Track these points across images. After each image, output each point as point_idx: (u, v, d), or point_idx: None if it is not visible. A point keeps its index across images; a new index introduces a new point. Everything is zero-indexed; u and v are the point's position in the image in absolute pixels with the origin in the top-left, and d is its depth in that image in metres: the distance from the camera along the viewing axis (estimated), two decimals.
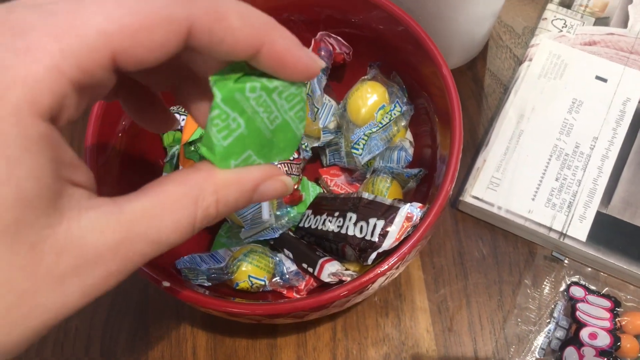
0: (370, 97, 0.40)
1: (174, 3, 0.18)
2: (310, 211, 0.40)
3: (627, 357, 0.38)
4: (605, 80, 0.47)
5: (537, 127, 0.46)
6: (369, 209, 0.35)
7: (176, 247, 0.39)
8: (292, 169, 0.41)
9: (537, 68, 0.48)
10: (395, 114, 0.40)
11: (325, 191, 0.43)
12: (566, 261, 0.42)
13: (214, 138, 0.21)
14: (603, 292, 0.41)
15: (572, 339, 0.39)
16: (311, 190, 0.43)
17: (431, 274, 0.43)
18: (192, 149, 0.40)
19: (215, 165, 0.21)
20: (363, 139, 0.39)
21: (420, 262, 0.43)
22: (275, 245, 0.40)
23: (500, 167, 0.44)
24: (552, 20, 0.50)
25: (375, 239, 0.34)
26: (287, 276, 0.37)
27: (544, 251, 0.43)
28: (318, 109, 0.41)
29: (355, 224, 0.36)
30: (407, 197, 0.41)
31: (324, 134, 0.41)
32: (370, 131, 0.39)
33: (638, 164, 0.44)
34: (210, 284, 0.37)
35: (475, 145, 0.47)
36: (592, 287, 0.41)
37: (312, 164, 0.46)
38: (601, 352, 0.38)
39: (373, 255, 0.34)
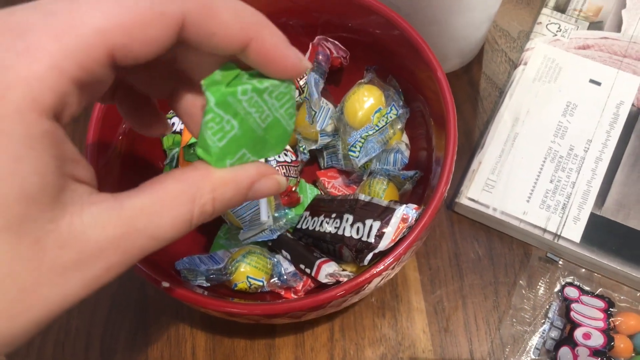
0: (366, 101, 0.40)
1: None
2: (307, 213, 0.41)
3: (620, 357, 0.39)
4: (599, 84, 0.48)
5: (531, 130, 0.46)
6: (365, 211, 0.36)
7: (176, 248, 0.40)
8: (290, 172, 0.42)
9: (532, 72, 0.49)
10: (391, 117, 0.40)
11: (323, 193, 0.44)
12: (560, 262, 0.43)
13: (209, 140, 0.21)
14: (597, 292, 0.41)
15: (567, 339, 0.39)
16: (309, 192, 0.44)
17: (427, 275, 0.43)
18: (192, 151, 0.40)
19: (212, 165, 0.22)
20: (360, 141, 0.40)
21: (416, 263, 0.44)
22: (274, 247, 0.40)
23: (495, 169, 0.45)
24: (547, 25, 0.51)
25: (372, 240, 0.34)
26: (285, 277, 0.38)
27: (539, 252, 0.44)
28: (315, 112, 0.41)
29: (352, 225, 0.36)
30: (404, 199, 0.42)
31: (321, 136, 0.42)
32: (366, 134, 0.40)
33: (631, 166, 0.45)
34: (209, 284, 0.37)
35: (470, 147, 0.48)
36: (586, 288, 0.41)
37: (310, 166, 0.46)
38: (595, 352, 0.38)
39: (369, 256, 0.34)
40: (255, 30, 0.21)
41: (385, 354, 0.41)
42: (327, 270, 0.36)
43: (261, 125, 0.23)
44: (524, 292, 0.42)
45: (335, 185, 0.44)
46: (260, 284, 0.37)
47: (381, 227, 0.34)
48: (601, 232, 0.43)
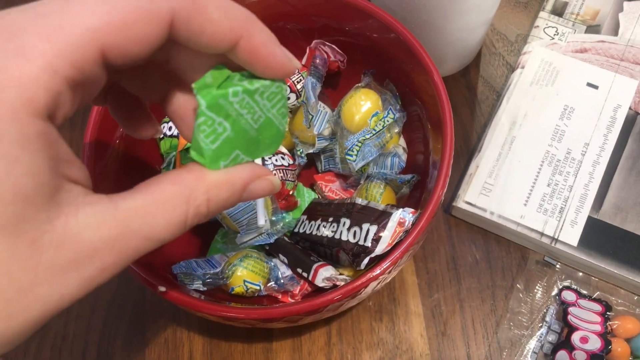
0: (364, 104, 0.40)
1: None
2: (305, 217, 0.41)
3: None
4: (596, 87, 0.48)
5: (529, 133, 0.46)
6: (362, 215, 0.36)
7: (173, 252, 0.39)
8: (287, 175, 0.42)
9: (530, 75, 0.49)
10: (388, 121, 0.40)
11: (320, 197, 0.44)
12: (558, 266, 0.43)
13: (202, 143, 0.22)
14: (594, 296, 0.41)
15: (564, 343, 0.39)
16: (306, 196, 0.44)
17: (425, 278, 0.43)
18: (189, 155, 0.40)
19: (206, 167, 0.22)
20: (357, 145, 0.40)
21: (414, 267, 0.44)
22: (271, 251, 0.40)
23: (492, 173, 0.45)
24: (544, 28, 0.51)
25: (369, 244, 0.34)
26: (282, 281, 0.38)
27: (536, 256, 0.44)
28: (313, 115, 0.41)
29: (349, 229, 0.36)
30: (401, 203, 0.42)
31: (318, 140, 0.42)
32: (363, 138, 0.40)
33: (629, 170, 0.45)
34: (205, 288, 0.37)
35: (468, 151, 0.48)
36: (584, 292, 0.41)
37: (307, 170, 0.46)
38: (592, 355, 0.38)
39: (366, 260, 0.34)
40: (244, 28, 0.21)
41: (382, 357, 0.41)
42: (324, 274, 0.36)
43: (254, 126, 0.23)
44: (521, 295, 0.42)
45: (333, 189, 0.44)
46: (257, 288, 0.37)
47: (378, 231, 0.34)
48: (599, 235, 0.43)
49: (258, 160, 0.39)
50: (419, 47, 0.38)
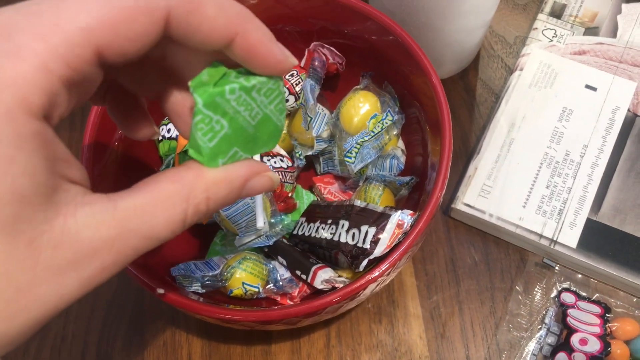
0: (362, 107, 0.40)
1: None
2: (304, 219, 0.41)
3: None
4: (594, 89, 0.48)
5: (527, 135, 0.46)
6: (361, 217, 0.36)
7: (171, 254, 0.39)
8: (286, 177, 0.42)
9: (528, 77, 0.49)
10: (387, 123, 0.40)
11: (319, 199, 0.44)
12: (557, 268, 0.43)
13: (199, 141, 0.21)
14: (593, 298, 0.41)
15: (563, 345, 0.39)
16: (305, 198, 0.44)
17: (424, 280, 0.43)
18: (187, 157, 0.40)
19: (204, 165, 0.22)
20: (355, 147, 0.40)
21: (413, 268, 0.44)
22: (270, 253, 0.40)
23: (491, 175, 0.45)
24: (543, 30, 0.51)
25: (367, 246, 0.34)
26: (281, 283, 0.38)
27: (535, 258, 0.44)
28: (311, 118, 0.41)
29: (347, 231, 0.36)
30: (400, 205, 0.42)
31: (317, 142, 0.42)
32: (362, 140, 0.40)
33: (627, 172, 0.45)
34: (204, 291, 0.37)
35: (467, 153, 0.48)
36: (583, 294, 0.41)
37: (306, 172, 0.46)
38: (591, 357, 0.38)
39: (365, 262, 0.34)
40: (240, 25, 0.21)
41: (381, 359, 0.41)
42: (323, 276, 0.36)
43: (251, 123, 0.23)
44: (520, 297, 0.42)
45: (332, 191, 0.44)
46: (256, 290, 0.37)
47: (377, 233, 0.34)
48: (597, 237, 0.43)
49: (257, 157, 0.39)
50: (418, 49, 0.38)
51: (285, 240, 0.40)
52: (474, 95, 0.51)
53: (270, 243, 0.39)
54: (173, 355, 0.42)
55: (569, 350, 0.38)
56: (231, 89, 0.22)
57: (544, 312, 0.41)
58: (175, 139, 0.42)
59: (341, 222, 0.37)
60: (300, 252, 0.39)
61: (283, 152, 0.43)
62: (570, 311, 0.40)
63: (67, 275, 0.18)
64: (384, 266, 0.32)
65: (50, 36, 0.17)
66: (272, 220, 0.40)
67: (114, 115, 0.26)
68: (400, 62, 0.40)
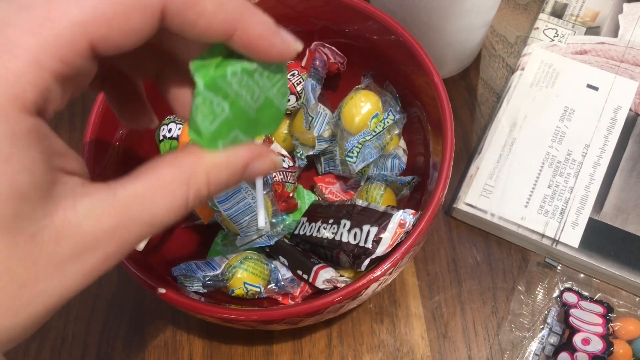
0: (363, 106, 0.40)
1: None
2: (305, 219, 0.41)
3: None
4: (596, 89, 0.48)
5: (529, 135, 0.46)
6: (362, 216, 0.36)
7: (173, 254, 0.39)
8: (287, 177, 0.42)
9: (530, 77, 0.49)
10: (388, 123, 0.40)
11: (320, 199, 0.44)
12: (559, 267, 0.43)
13: (200, 124, 0.21)
14: (596, 298, 0.41)
15: (566, 345, 0.39)
16: (306, 198, 0.44)
17: (425, 280, 0.43)
18: None
19: (204, 148, 0.21)
20: (357, 147, 0.40)
21: (414, 268, 0.44)
22: (271, 253, 0.40)
23: (493, 174, 0.45)
24: (544, 30, 0.51)
25: (369, 245, 0.34)
26: (282, 283, 0.38)
27: (537, 257, 0.44)
28: (312, 117, 0.41)
29: (349, 230, 0.36)
30: (401, 205, 0.42)
31: (318, 142, 0.42)
32: (364, 139, 0.40)
33: (629, 171, 0.45)
34: (205, 290, 0.37)
35: (468, 153, 0.48)
36: (585, 293, 0.41)
37: (308, 172, 0.46)
38: (594, 357, 0.38)
39: (366, 262, 0.34)
40: (240, 20, 0.20)
41: None
42: (325, 276, 0.36)
43: (253, 106, 0.23)
44: (522, 297, 0.42)
45: (333, 191, 0.44)
46: (258, 290, 0.37)
47: (378, 233, 0.34)
48: (599, 237, 0.43)
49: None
50: (419, 48, 0.38)
51: (286, 240, 0.40)
52: (475, 95, 0.51)
53: (272, 243, 0.39)
54: (174, 356, 0.41)
55: (572, 350, 0.38)
56: (233, 71, 0.21)
57: (546, 312, 0.41)
58: (176, 139, 0.42)
59: (343, 221, 0.37)
60: (302, 252, 0.39)
61: (284, 152, 0.43)
62: (572, 311, 0.40)
63: (70, 267, 0.18)
64: (385, 265, 0.32)
65: (42, 31, 0.17)
66: (274, 220, 0.40)
67: (112, 102, 0.26)
68: (401, 61, 0.40)
